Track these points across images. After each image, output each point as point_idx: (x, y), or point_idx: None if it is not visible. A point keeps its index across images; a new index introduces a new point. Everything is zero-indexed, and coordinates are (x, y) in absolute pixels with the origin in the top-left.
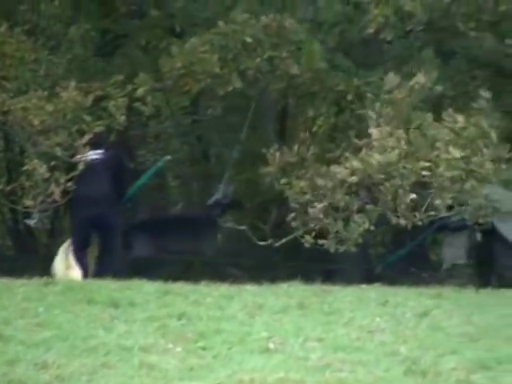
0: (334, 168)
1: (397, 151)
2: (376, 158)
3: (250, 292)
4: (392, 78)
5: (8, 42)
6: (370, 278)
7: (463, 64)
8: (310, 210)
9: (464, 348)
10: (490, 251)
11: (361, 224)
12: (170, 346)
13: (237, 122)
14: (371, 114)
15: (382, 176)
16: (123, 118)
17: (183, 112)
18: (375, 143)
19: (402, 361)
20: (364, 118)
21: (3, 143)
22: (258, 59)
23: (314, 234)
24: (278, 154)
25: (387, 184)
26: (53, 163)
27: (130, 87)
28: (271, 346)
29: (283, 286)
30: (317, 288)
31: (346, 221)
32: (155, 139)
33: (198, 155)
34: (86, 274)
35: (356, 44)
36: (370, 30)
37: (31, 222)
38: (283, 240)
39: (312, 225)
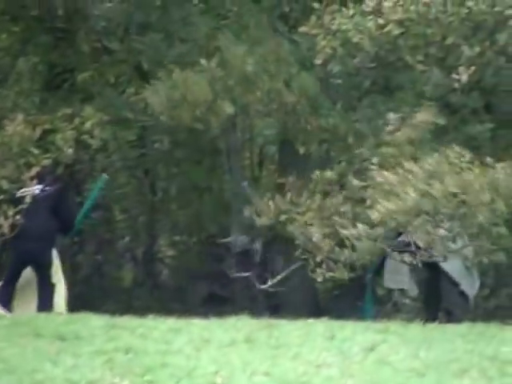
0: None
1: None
2: (412, 196)
3: (197, 326)
4: (394, 118)
5: None
6: (317, 313)
7: (410, 98)
8: (316, 241)
9: (411, 383)
10: (436, 286)
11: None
12: (117, 380)
13: (183, 157)
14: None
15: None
16: (71, 151)
17: (130, 145)
18: (394, 184)
19: None
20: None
21: None
22: (259, 93)
23: (324, 266)
24: (271, 203)
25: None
26: (0, 197)
27: (77, 120)
28: (218, 380)
29: (231, 320)
30: (264, 322)
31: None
32: (102, 173)
33: (145, 189)
34: (4, 306)
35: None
36: (318, 61)
37: None
38: (274, 280)
39: (319, 257)
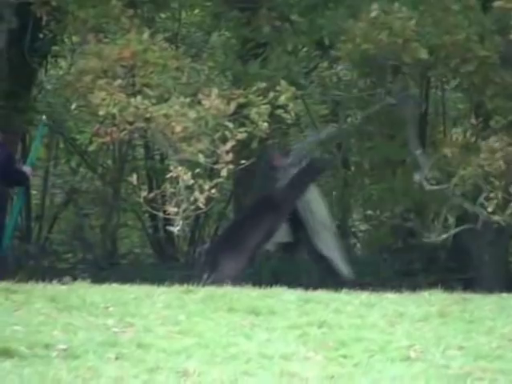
0: None
1: None
2: None
3: (390, 300)
4: None
5: (150, 50)
6: (510, 287)
7: None
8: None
9: None
10: None
11: None
12: (311, 354)
13: (376, 131)
14: None
15: None
16: (265, 125)
17: (323, 120)
18: None
19: None
20: None
21: (145, 151)
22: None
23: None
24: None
25: None
26: (196, 170)
27: (272, 94)
28: (412, 354)
29: (424, 295)
30: (457, 296)
31: None
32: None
33: (338, 164)
34: None
35: None
36: None
37: (174, 230)
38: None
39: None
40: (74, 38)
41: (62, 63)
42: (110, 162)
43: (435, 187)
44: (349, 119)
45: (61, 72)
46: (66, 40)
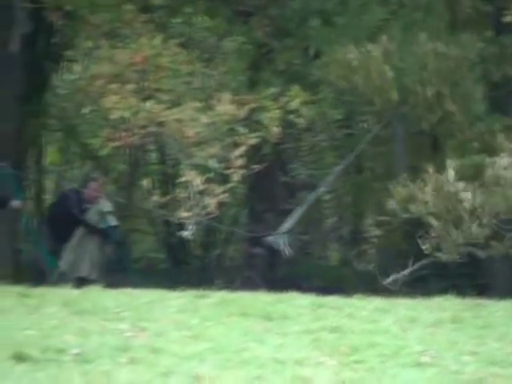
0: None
1: None
2: None
3: (403, 305)
4: None
5: (163, 55)
6: None
7: None
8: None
9: None
10: None
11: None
12: (324, 359)
13: (389, 136)
14: None
15: None
16: (277, 130)
17: (337, 125)
18: None
19: None
20: None
21: (158, 156)
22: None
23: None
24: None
25: None
26: (208, 175)
27: (284, 99)
28: (425, 359)
29: (437, 300)
30: (470, 302)
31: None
32: (309, 152)
33: (352, 169)
34: None
35: None
36: None
37: (186, 234)
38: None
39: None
40: (88, 43)
41: (76, 68)
42: (122, 166)
43: None
44: (362, 124)
45: (72, 77)
46: (79, 45)
